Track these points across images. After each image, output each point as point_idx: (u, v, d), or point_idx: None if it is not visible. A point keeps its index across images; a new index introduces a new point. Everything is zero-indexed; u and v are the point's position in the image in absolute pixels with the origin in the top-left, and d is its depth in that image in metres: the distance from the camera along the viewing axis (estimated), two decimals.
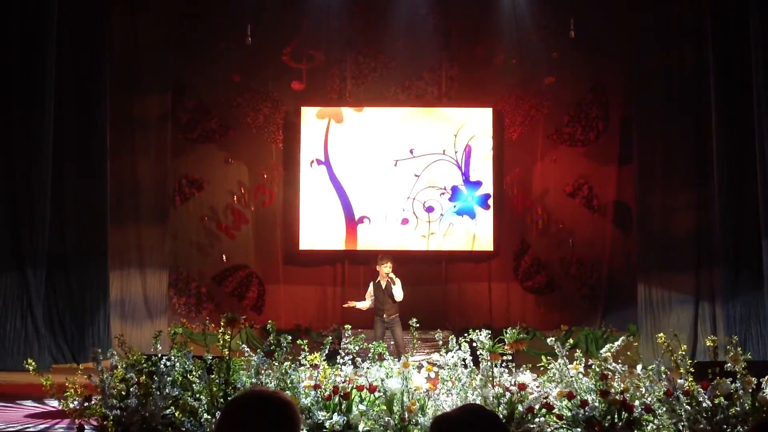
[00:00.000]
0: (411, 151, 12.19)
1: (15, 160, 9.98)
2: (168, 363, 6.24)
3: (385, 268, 9.59)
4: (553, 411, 6.07)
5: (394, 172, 12.20)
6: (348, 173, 12.20)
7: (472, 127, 12.24)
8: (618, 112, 12.31)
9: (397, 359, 6.51)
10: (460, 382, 6.22)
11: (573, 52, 12.24)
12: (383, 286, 9.62)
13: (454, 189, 12.20)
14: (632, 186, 11.85)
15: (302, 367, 6.44)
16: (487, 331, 6.42)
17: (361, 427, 6.03)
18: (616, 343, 6.48)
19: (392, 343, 9.62)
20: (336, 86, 12.55)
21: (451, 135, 12.20)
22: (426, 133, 12.23)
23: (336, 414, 6.04)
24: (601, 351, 6.45)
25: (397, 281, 9.58)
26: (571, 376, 6.27)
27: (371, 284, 9.84)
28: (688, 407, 5.93)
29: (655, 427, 6.01)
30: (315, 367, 6.44)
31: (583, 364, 6.38)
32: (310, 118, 12.31)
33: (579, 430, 6.01)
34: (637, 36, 11.52)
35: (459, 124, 12.21)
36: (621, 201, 12.32)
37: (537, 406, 6.04)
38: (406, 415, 5.98)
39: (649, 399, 6.10)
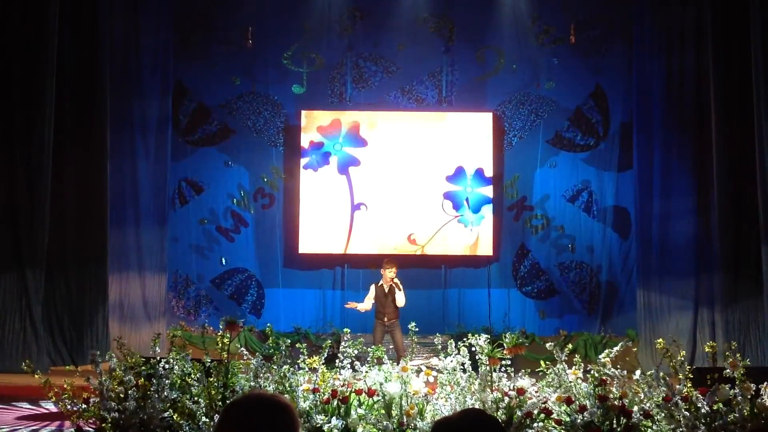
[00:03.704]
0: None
1: (15, 162, 9.99)
2: (166, 366, 6.23)
3: (390, 273, 9.59)
4: (552, 416, 6.05)
5: None
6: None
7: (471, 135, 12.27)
8: (618, 117, 12.33)
9: (396, 363, 6.51)
10: (459, 387, 6.20)
11: (573, 58, 12.28)
12: (386, 290, 9.61)
13: None
14: (632, 191, 11.86)
15: (301, 371, 6.43)
16: (486, 335, 6.42)
17: (359, 431, 6.02)
18: (615, 349, 6.46)
19: (391, 347, 9.60)
20: (336, 90, 12.56)
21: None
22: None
23: (334, 418, 6.02)
24: (600, 356, 6.44)
25: (402, 287, 9.59)
26: (570, 382, 6.25)
27: (372, 287, 9.81)
28: (687, 413, 5.92)
29: None
30: (314, 370, 6.43)
31: (581, 370, 6.36)
32: (310, 122, 12.31)
33: None
34: (637, 41, 11.53)
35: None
36: (620, 206, 12.32)
37: (535, 411, 6.02)
38: (405, 419, 5.97)
39: (648, 405, 6.08)
